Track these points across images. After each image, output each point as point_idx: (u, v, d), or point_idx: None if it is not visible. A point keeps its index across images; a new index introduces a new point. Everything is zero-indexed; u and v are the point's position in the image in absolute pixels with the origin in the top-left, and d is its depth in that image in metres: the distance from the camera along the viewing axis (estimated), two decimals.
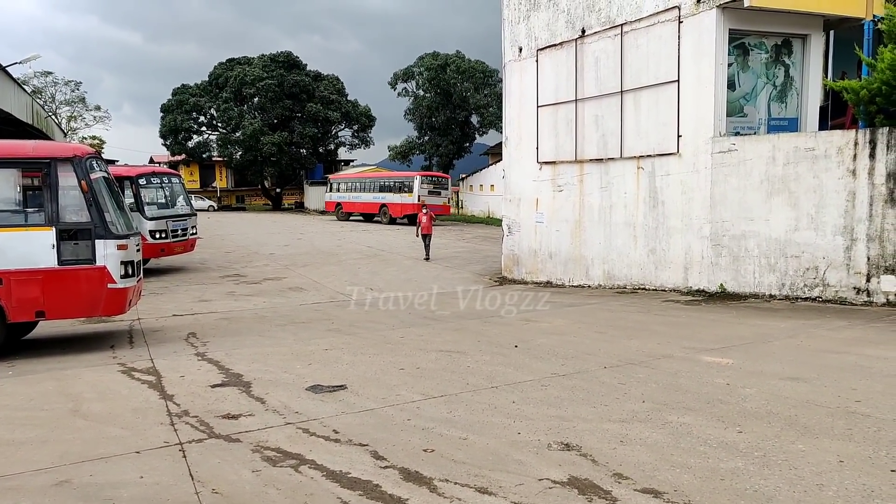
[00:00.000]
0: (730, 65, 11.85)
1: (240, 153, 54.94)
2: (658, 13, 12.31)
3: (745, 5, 10.90)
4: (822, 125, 12.54)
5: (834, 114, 12.88)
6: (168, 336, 9.67)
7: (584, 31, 13.93)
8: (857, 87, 10.46)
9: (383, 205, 37.30)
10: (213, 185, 62.74)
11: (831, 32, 12.85)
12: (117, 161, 37.69)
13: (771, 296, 11.10)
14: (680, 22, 11.91)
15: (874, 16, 11.12)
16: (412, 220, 32.99)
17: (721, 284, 11.68)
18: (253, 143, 52.83)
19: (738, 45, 11.98)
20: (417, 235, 19.92)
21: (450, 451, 4.84)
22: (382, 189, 37.90)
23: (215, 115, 56.63)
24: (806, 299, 10.74)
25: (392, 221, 36.44)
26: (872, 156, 10.09)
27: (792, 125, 12.45)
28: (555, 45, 14.68)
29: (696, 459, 4.55)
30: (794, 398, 5.83)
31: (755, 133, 12.20)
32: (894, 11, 10.32)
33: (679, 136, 12.13)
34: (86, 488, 4.38)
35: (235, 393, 6.51)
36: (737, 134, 11.94)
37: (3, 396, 6.64)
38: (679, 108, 12.10)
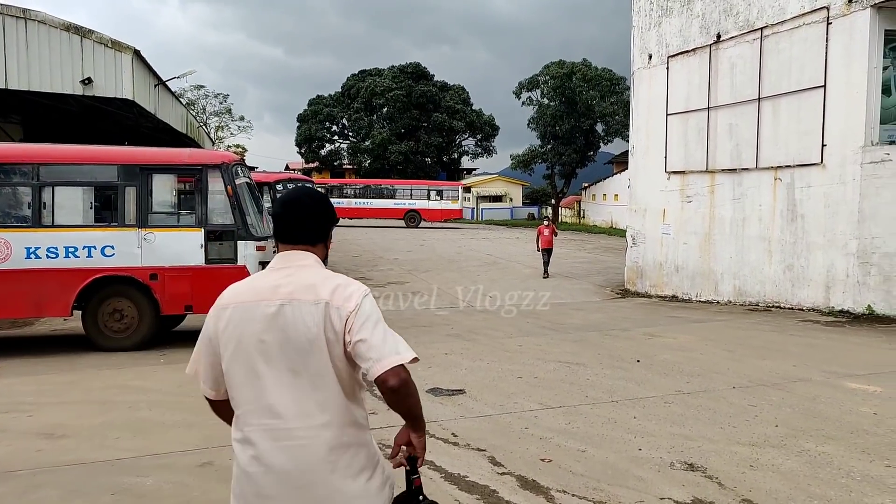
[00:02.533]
0: (885, 68, 10.92)
1: (368, 161, 57.05)
2: (803, 14, 11.58)
3: None
4: None
5: None
6: None
7: (719, 37, 13.34)
8: None
9: (412, 210, 42.62)
10: None
11: None
12: (256, 168, 40.30)
13: None
14: (829, 23, 11.13)
15: None
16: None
17: (869, 306, 10.76)
18: (381, 152, 54.73)
19: (895, 47, 11.02)
20: (537, 250, 19.32)
21: (568, 463, 4.80)
22: (409, 196, 43.46)
23: (347, 124, 59.26)
24: None
25: (417, 225, 42.54)
26: None
27: None
28: (687, 51, 14.16)
29: (837, 492, 4.24)
30: None
31: None
32: None
33: (823, 146, 11.32)
34: (226, 471, 4.71)
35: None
36: (892, 143, 10.98)
37: (156, 381, 7.31)
38: (824, 116, 11.30)
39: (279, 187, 18.06)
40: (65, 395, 6.77)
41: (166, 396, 6.65)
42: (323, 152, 59.83)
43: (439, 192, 44.09)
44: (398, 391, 1.91)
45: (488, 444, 5.20)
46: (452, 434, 5.42)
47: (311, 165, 61.47)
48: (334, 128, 60.22)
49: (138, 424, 5.77)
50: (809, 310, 11.61)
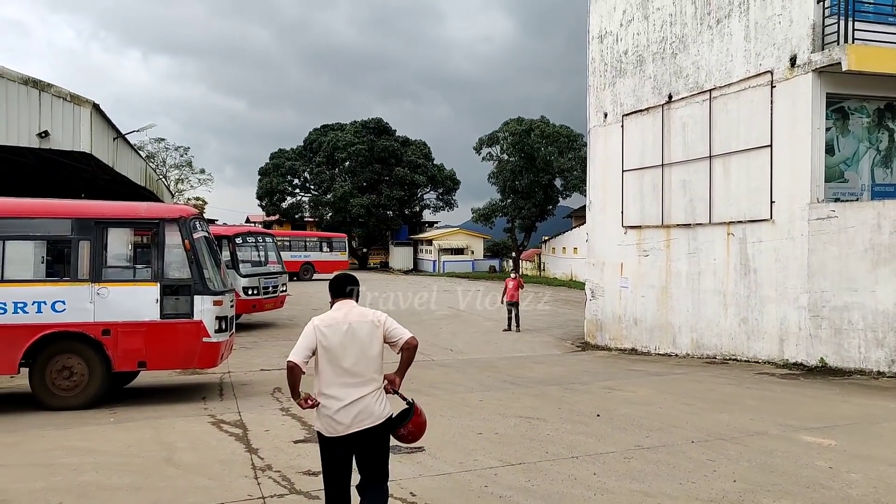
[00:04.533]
0: (828, 129, 11.46)
1: (330, 214, 57.00)
2: (749, 78, 12.15)
3: (844, 69, 10.58)
4: None
5: None
6: (255, 390, 9.98)
7: (670, 97, 13.89)
8: None
9: (307, 263, 41.04)
10: None
11: None
12: (216, 221, 39.97)
13: (879, 373, 10.35)
14: (773, 87, 11.69)
15: None
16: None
17: (821, 358, 11.01)
18: (343, 205, 54.79)
19: (837, 108, 11.61)
20: (502, 303, 19.27)
21: None
22: (305, 248, 42.22)
23: (308, 177, 59.31)
24: None
25: (311, 278, 40.76)
26: None
27: None
28: (641, 110, 14.68)
29: None
30: None
31: (857, 199, 11.66)
32: None
33: (772, 203, 11.74)
34: None
35: (317, 450, 6.60)
36: (836, 200, 11.45)
37: (104, 442, 7.01)
38: (772, 174, 11.75)
39: (238, 240, 17.91)
40: (6, 458, 6.45)
41: (113, 458, 6.38)
42: (284, 205, 59.65)
43: (329, 244, 43.43)
44: (415, 347, 4.16)
45: (447, 503, 5.09)
46: (411, 493, 5.30)
47: (272, 218, 61.14)
48: (296, 181, 60.22)
49: (82, 488, 5.51)
50: (765, 362, 11.82)
